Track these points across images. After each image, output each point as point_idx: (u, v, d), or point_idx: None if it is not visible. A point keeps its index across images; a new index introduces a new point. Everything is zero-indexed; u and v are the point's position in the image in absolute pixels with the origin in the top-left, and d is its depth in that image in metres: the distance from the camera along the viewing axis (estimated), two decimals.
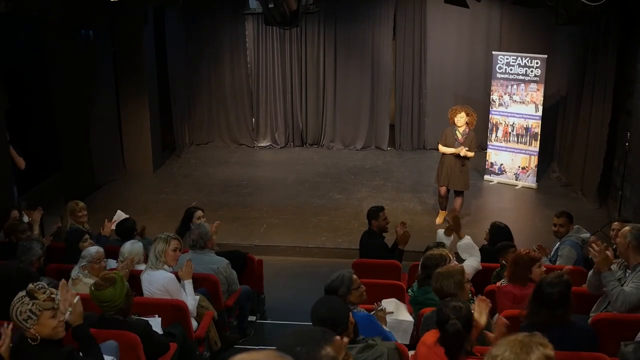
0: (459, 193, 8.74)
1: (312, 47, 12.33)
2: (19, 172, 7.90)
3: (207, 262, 5.78)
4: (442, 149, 8.59)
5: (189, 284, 5.25)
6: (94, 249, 5.35)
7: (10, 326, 3.63)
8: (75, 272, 5.26)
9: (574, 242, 6.12)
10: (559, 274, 4.22)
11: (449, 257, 4.92)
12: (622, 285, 4.69)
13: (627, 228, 4.83)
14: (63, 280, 3.98)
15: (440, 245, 5.59)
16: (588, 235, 6.23)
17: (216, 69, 12.56)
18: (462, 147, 8.37)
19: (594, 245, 4.75)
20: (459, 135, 8.44)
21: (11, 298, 3.71)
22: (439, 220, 8.91)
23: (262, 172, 11.35)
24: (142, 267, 5.53)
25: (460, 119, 8.40)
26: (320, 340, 2.31)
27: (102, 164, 10.38)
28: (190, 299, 5.21)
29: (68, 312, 3.82)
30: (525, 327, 3.96)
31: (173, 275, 5.22)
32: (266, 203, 9.74)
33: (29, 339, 3.59)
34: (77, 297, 3.91)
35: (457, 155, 8.42)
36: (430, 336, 3.78)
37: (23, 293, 3.62)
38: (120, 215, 7.09)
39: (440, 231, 6.12)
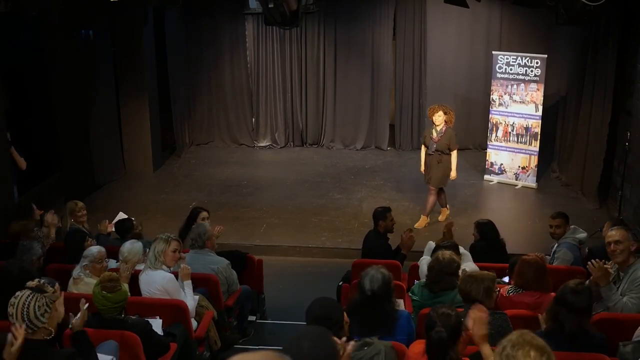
0: (439, 190, 8.75)
1: (312, 47, 12.33)
2: (20, 172, 7.91)
3: (207, 262, 5.78)
4: (422, 152, 8.75)
5: (188, 285, 5.25)
6: (95, 249, 5.35)
7: (24, 326, 3.61)
8: (76, 271, 5.27)
9: (570, 243, 6.09)
10: (579, 281, 4.20)
11: (460, 262, 4.90)
12: (617, 287, 4.72)
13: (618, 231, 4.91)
14: (83, 300, 4.00)
15: (449, 246, 5.61)
16: (585, 235, 6.19)
17: (216, 69, 12.56)
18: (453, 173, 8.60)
19: (593, 262, 4.73)
20: (435, 134, 8.46)
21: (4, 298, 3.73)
22: (441, 217, 8.94)
23: (262, 172, 11.35)
24: (139, 267, 5.53)
25: (438, 117, 8.41)
26: (324, 331, 2.40)
27: (102, 164, 10.38)
28: (190, 299, 5.21)
29: (78, 316, 3.85)
30: (545, 333, 3.95)
31: (172, 275, 5.22)
32: (266, 203, 9.74)
33: (43, 337, 3.62)
34: (87, 305, 3.93)
35: (432, 153, 8.48)
36: (417, 347, 3.74)
37: (28, 291, 3.62)
38: (121, 216, 7.09)
39: (432, 243, 6.05)
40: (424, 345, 3.66)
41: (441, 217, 8.96)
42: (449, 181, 8.76)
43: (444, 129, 8.43)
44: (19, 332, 3.61)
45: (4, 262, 5.16)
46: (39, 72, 9.60)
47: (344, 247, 8.21)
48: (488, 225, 6.44)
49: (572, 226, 6.27)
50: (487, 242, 6.33)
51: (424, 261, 5.65)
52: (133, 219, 6.97)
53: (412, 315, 5.05)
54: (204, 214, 6.57)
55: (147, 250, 5.47)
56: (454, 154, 8.55)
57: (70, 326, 3.84)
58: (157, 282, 5.16)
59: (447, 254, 4.84)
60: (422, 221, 8.82)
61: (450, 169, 8.61)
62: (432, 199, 8.76)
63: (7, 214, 7.06)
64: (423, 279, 5.49)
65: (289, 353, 2.27)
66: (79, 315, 3.88)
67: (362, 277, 3.90)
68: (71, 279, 5.27)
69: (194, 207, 6.89)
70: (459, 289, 4.33)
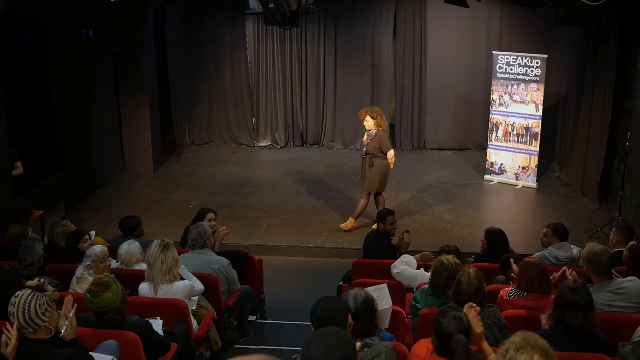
0: (376, 195, 8.58)
1: (312, 47, 12.33)
2: (18, 177, 7.89)
3: (207, 262, 5.78)
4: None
5: (183, 270, 5.24)
6: (98, 249, 5.35)
7: (15, 326, 3.63)
8: (80, 271, 5.26)
9: (543, 255, 5.90)
10: (574, 279, 4.20)
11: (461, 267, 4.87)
12: None
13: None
14: (70, 297, 3.96)
15: (452, 251, 5.59)
16: (567, 254, 5.94)
17: (216, 69, 12.56)
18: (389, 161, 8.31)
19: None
20: (365, 138, 8.37)
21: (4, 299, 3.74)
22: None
23: (263, 172, 11.34)
24: (139, 267, 5.52)
25: (367, 122, 8.27)
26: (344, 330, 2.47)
27: (102, 164, 10.38)
28: (197, 282, 5.24)
29: (64, 327, 3.82)
30: (549, 334, 3.94)
31: (188, 282, 5.19)
32: (266, 203, 9.74)
33: (44, 336, 3.61)
34: (72, 312, 3.91)
35: (364, 157, 8.38)
36: (422, 347, 3.70)
37: (29, 291, 3.63)
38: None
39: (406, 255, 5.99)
40: (430, 344, 3.64)
41: (345, 225, 8.69)
42: (385, 186, 8.58)
43: (374, 132, 8.29)
44: (13, 333, 3.62)
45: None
46: (39, 72, 9.61)
47: (345, 247, 8.21)
48: (498, 236, 6.25)
49: (562, 243, 6.02)
50: (495, 252, 6.10)
51: (407, 271, 5.63)
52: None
53: (410, 316, 5.04)
54: (211, 215, 6.53)
55: (147, 250, 5.45)
56: (390, 155, 8.30)
57: (61, 335, 3.81)
58: (180, 293, 5.09)
59: (451, 258, 4.79)
60: (349, 223, 8.68)
61: (385, 173, 8.44)
62: (362, 202, 8.59)
63: (7, 214, 7.06)
64: (411, 285, 5.50)
65: (314, 345, 2.34)
66: (66, 324, 3.83)
67: (345, 296, 3.84)
68: (74, 279, 5.26)
69: (202, 208, 6.81)
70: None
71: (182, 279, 5.20)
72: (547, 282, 4.75)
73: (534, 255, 5.69)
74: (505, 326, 4.18)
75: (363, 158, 8.48)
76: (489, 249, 6.26)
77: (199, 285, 5.26)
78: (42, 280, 3.75)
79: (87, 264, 5.25)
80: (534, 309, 4.65)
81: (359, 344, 3.06)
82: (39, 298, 3.61)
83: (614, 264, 4.98)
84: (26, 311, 3.57)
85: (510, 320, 4.33)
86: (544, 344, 2.62)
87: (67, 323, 3.83)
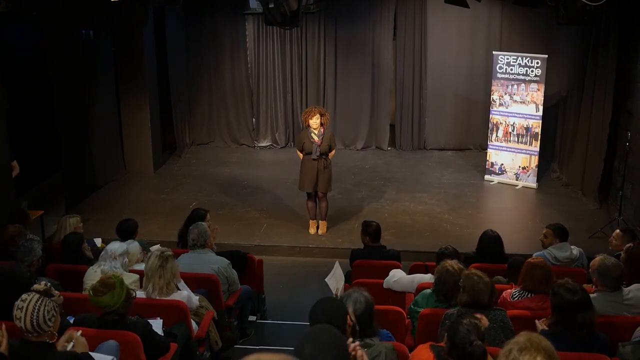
0: (323, 196, 8.54)
1: (312, 47, 12.33)
2: (16, 177, 7.86)
3: (207, 261, 5.78)
4: (301, 157, 8.42)
5: (182, 284, 5.23)
6: (121, 247, 5.35)
7: (4, 326, 3.63)
8: (106, 266, 5.21)
9: (542, 255, 5.86)
10: (564, 281, 4.19)
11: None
12: None
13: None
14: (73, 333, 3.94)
15: (451, 253, 5.56)
16: (567, 254, 5.92)
17: (216, 69, 12.56)
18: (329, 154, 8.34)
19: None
20: (315, 137, 8.24)
21: (4, 300, 3.73)
22: (312, 230, 8.71)
23: (263, 172, 11.34)
24: (139, 266, 5.51)
25: (316, 120, 8.18)
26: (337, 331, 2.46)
27: (102, 164, 10.37)
28: (193, 296, 5.22)
29: (71, 344, 3.81)
30: (549, 333, 3.93)
31: (187, 292, 5.19)
32: (267, 203, 9.74)
33: (46, 340, 3.61)
34: (79, 332, 3.89)
35: (317, 158, 8.24)
36: (422, 353, 3.67)
37: (37, 295, 3.62)
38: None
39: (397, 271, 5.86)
40: (429, 351, 3.62)
41: (312, 230, 8.72)
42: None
43: (322, 130, 8.23)
44: (2, 332, 3.61)
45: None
46: (39, 72, 9.61)
47: (344, 247, 8.19)
48: (491, 240, 6.09)
49: (562, 243, 5.97)
50: (485, 257, 5.99)
51: (401, 280, 5.57)
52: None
53: (408, 316, 5.03)
54: (207, 215, 6.53)
55: (146, 251, 5.44)
56: (334, 152, 8.44)
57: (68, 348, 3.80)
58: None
59: (455, 264, 4.74)
60: (323, 226, 8.71)
61: (331, 174, 8.48)
62: (324, 204, 8.60)
63: (7, 214, 7.06)
64: (409, 290, 5.46)
65: (307, 347, 2.36)
66: (72, 344, 3.80)
67: (345, 299, 3.81)
68: (95, 273, 5.22)
69: (195, 208, 6.85)
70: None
71: (179, 289, 5.16)
72: (551, 281, 4.72)
73: (534, 256, 5.69)
74: (512, 331, 4.12)
75: (314, 159, 8.25)
76: (478, 251, 6.15)
77: (195, 300, 5.23)
78: (49, 284, 3.72)
79: (124, 260, 5.27)
80: (536, 310, 4.64)
81: (358, 344, 3.05)
82: (47, 304, 3.58)
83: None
84: (34, 317, 3.55)
85: (513, 321, 4.31)
86: (548, 344, 2.60)
87: (73, 342, 3.80)
